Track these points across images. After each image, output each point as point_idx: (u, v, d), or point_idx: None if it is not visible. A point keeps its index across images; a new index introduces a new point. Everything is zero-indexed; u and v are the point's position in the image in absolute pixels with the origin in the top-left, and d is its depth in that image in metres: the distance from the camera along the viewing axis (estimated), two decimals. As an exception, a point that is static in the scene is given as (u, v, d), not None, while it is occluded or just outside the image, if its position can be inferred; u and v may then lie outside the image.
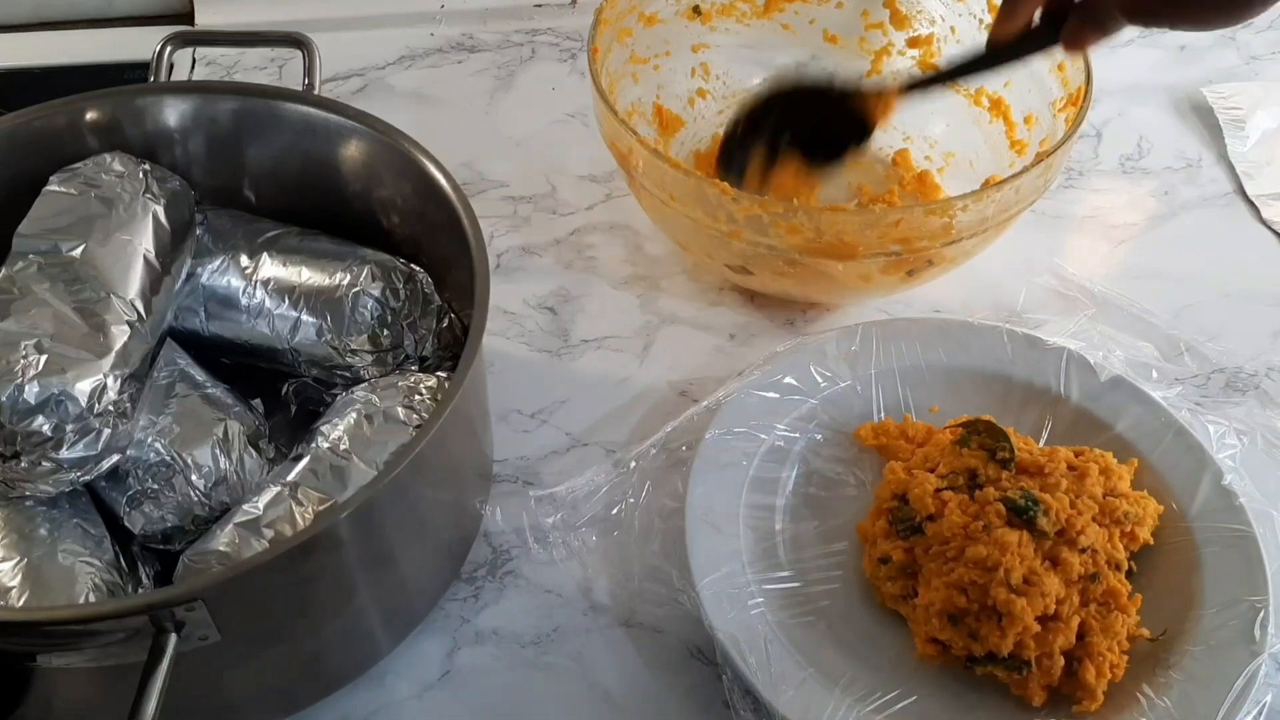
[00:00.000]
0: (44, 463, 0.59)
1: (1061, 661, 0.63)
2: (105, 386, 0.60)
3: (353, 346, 0.69)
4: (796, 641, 0.64)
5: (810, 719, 0.61)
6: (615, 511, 0.71)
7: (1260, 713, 0.62)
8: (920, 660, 0.65)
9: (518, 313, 0.83)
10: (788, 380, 0.74)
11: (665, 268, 0.86)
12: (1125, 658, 0.63)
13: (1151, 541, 0.68)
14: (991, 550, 0.63)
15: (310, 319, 0.69)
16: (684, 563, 0.66)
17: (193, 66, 1.00)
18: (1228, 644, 0.63)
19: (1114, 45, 1.04)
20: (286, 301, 0.69)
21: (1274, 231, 0.90)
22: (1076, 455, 0.69)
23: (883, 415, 0.75)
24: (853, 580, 0.69)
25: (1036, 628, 0.62)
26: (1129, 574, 0.66)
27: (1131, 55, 1.05)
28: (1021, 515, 0.64)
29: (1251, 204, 0.91)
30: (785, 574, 0.68)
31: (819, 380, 0.75)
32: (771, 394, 0.73)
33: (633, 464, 0.72)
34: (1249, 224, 0.90)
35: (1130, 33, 1.06)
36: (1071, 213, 0.91)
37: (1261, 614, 0.63)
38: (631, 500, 0.71)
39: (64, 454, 0.59)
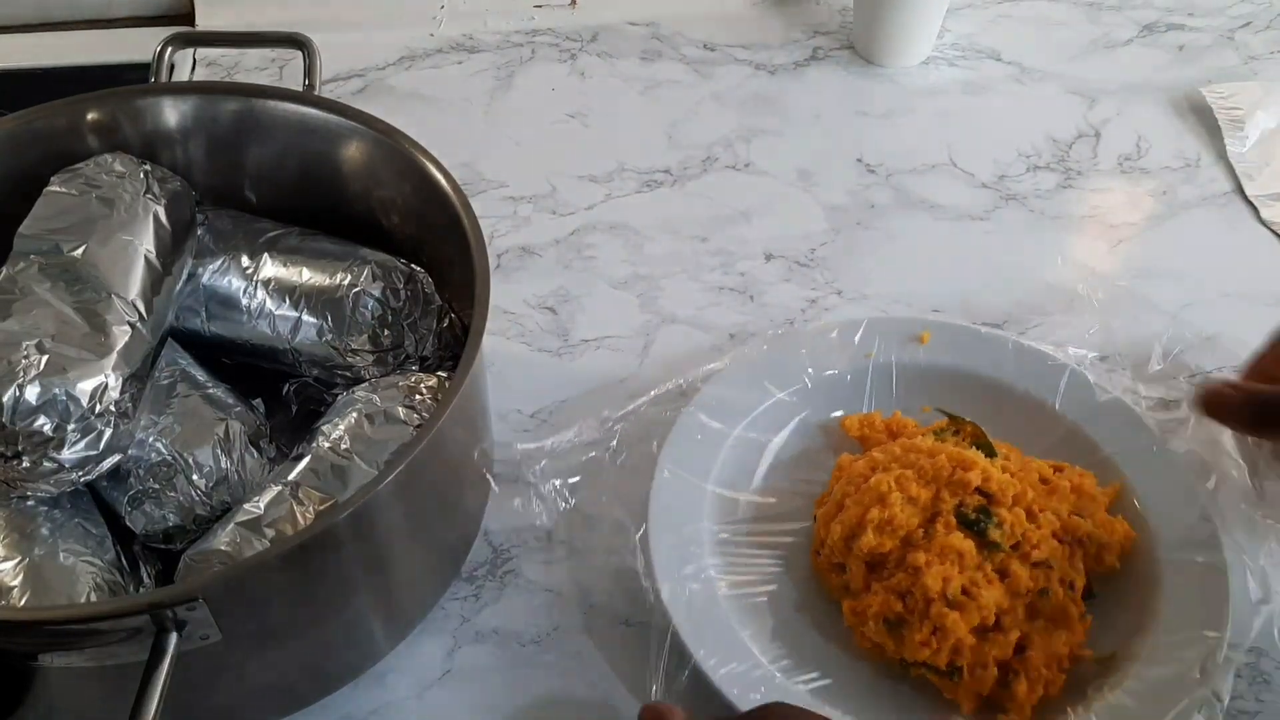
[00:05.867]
0: (45, 463, 0.59)
1: (995, 672, 0.62)
2: (106, 386, 0.60)
3: (353, 346, 0.69)
4: (738, 611, 0.66)
5: (735, 682, 0.61)
6: (590, 464, 0.71)
7: None
8: (859, 652, 0.65)
9: (518, 313, 0.83)
10: (783, 362, 0.75)
11: (665, 267, 0.86)
12: (1062, 675, 0.63)
13: (1118, 566, 0.67)
14: (931, 558, 0.63)
15: (311, 319, 0.69)
16: (642, 518, 0.67)
17: (193, 67, 1.00)
18: (1172, 674, 0.62)
19: (1113, 45, 1.06)
20: (287, 302, 0.70)
21: (1273, 232, 0.90)
22: (1055, 471, 0.69)
23: (872, 408, 0.75)
24: (808, 564, 0.69)
25: (971, 640, 0.62)
26: (1089, 596, 0.66)
27: (1131, 55, 1.05)
28: (972, 528, 0.64)
29: (1250, 204, 0.92)
30: (743, 546, 0.69)
31: (813, 366, 0.75)
32: (764, 372, 0.74)
33: (617, 425, 0.73)
34: (1248, 224, 0.90)
35: (1129, 32, 1.07)
36: (1070, 213, 0.91)
37: (1215, 650, 0.62)
38: (609, 458, 0.72)
39: (65, 454, 0.59)
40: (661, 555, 0.65)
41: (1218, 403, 0.66)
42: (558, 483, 0.70)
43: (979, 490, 0.65)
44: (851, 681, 0.64)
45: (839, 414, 0.75)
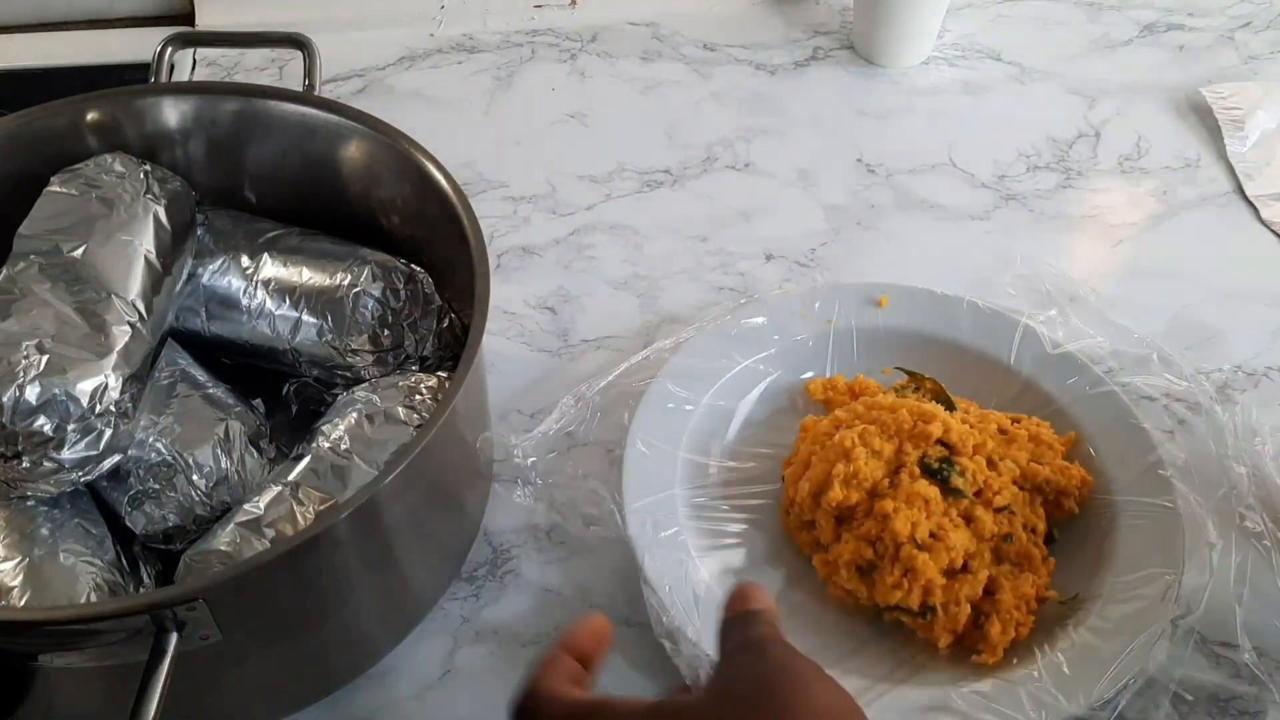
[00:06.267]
0: (45, 463, 0.59)
1: (968, 610, 0.64)
2: (107, 386, 0.60)
3: (353, 346, 0.69)
4: (713, 570, 0.67)
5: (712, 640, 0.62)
6: (566, 439, 0.72)
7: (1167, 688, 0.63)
8: (832, 603, 0.67)
9: (518, 313, 0.83)
10: (747, 331, 0.77)
11: (665, 267, 0.86)
12: (1031, 617, 0.65)
13: (1077, 510, 0.70)
14: (899, 504, 0.65)
15: (311, 319, 0.69)
16: (618, 486, 0.68)
17: (193, 67, 1.00)
18: (1134, 611, 0.64)
19: (1113, 45, 1.06)
20: (287, 302, 0.70)
21: (1273, 231, 0.90)
22: (1013, 422, 0.71)
23: (835, 372, 0.77)
24: (779, 523, 0.71)
25: (942, 580, 0.64)
26: (1050, 541, 0.69)
27: (1130, 55, 1.05)
28: (935, 476, 0.66)
29: (1250, 204, 0.91)
30: (716, 509, 0.70)
31: (776, 334, 0.77)
32: (729, 342, 0.76)
33: (590, 398, 0.73)
34: (1248, 224, 0.90)
35: (1129, 32, 1.07)
36: (1070, 213, 0.91)
37: (1172, 586, 0.64)
38: (584, 430, 0.73)
39: (65, 454, 0.59)
40: (636, 521, 0.67)
41: None
42: (536, 460, 0.71)
43: (941, 442, 0.68)
44: (827, 632, 0.66)
45: (803, 379, 0.77)
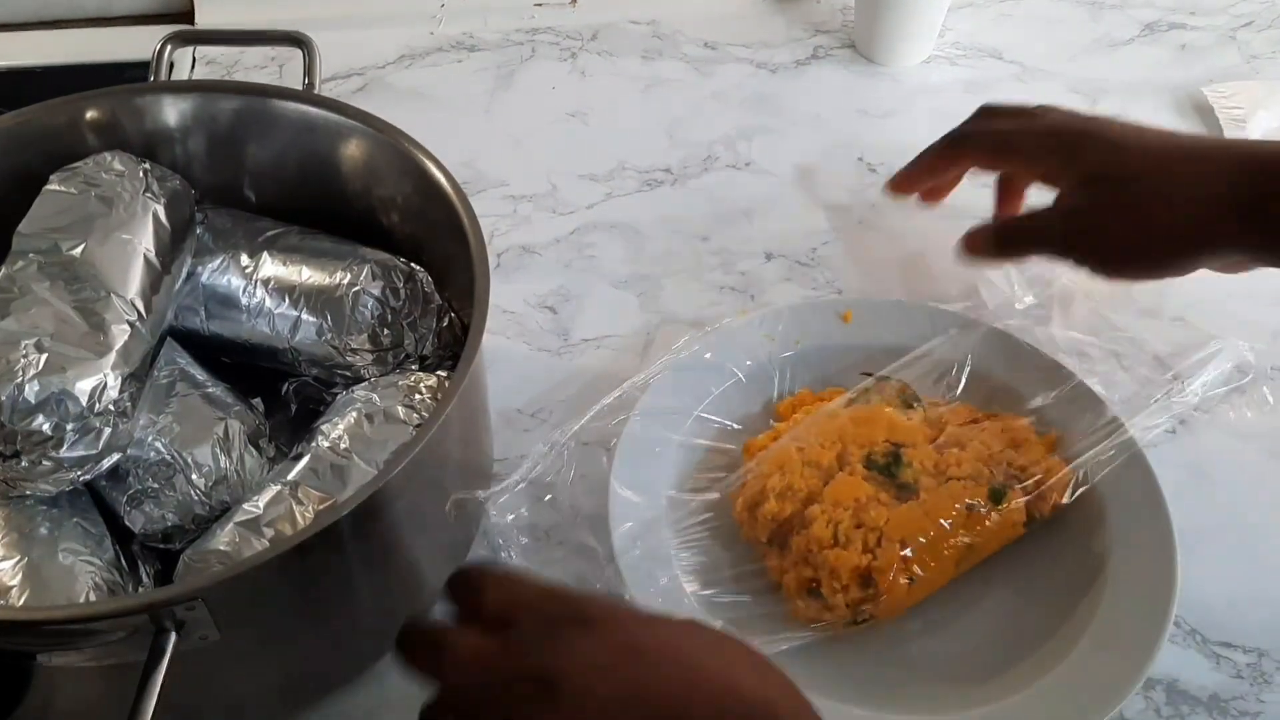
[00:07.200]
0: (44, 462, 0.59)
1: (901, 583, 0.64)
2: (106, 385, 0.60)
3: (353, 345, 0.69)
4: (711, 611, 0.66)
5: None
6: (547, 498, 0.71)
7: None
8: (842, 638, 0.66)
9: (518, 312, 0.83)
10: (715, 359, 0.76)
11: (665, 267, 0.86)
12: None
13: (1063, 502, 0.69)
14: (826, 507, 0.65)
15: (310, 318, 0.69)
16: (606, 537, 0.67)
17: (193, 66, 1.00)
18: (1138, 595, 0.65)
19: (1115, 44, 1.06)
20: (287, 300, 0.69)
21: (1274, 231, 0.89)
22: (987, 417, 0.71)
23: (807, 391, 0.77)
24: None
25: (863, 561, 0.63)
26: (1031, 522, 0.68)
27: (1132, 54, 1.05)
28: (882, 472, 0.66)
29: (1252, 203, 0.91)
30: (706, 547, 0.69)
31: (746, 360, 0.76)
32: (699, 374, 0.75)
33: (564, 444, 0.72)
34: (1249, 223, 0.90)
35: (1131, 31, 1.07)
36: (1072, 212, 0.91)
37: (1172, 568, 0.65)
38: (561, 480, 0.71)
39: (64, 453, 0.59)
40: (631, 573, 0.66)
41: (971, 243, 0.70)
42: (512, 516, 0.69)
43: (889, 442, 0.68)
44: (833, 652, 0.65)
45: (774, 401, 0.76)
